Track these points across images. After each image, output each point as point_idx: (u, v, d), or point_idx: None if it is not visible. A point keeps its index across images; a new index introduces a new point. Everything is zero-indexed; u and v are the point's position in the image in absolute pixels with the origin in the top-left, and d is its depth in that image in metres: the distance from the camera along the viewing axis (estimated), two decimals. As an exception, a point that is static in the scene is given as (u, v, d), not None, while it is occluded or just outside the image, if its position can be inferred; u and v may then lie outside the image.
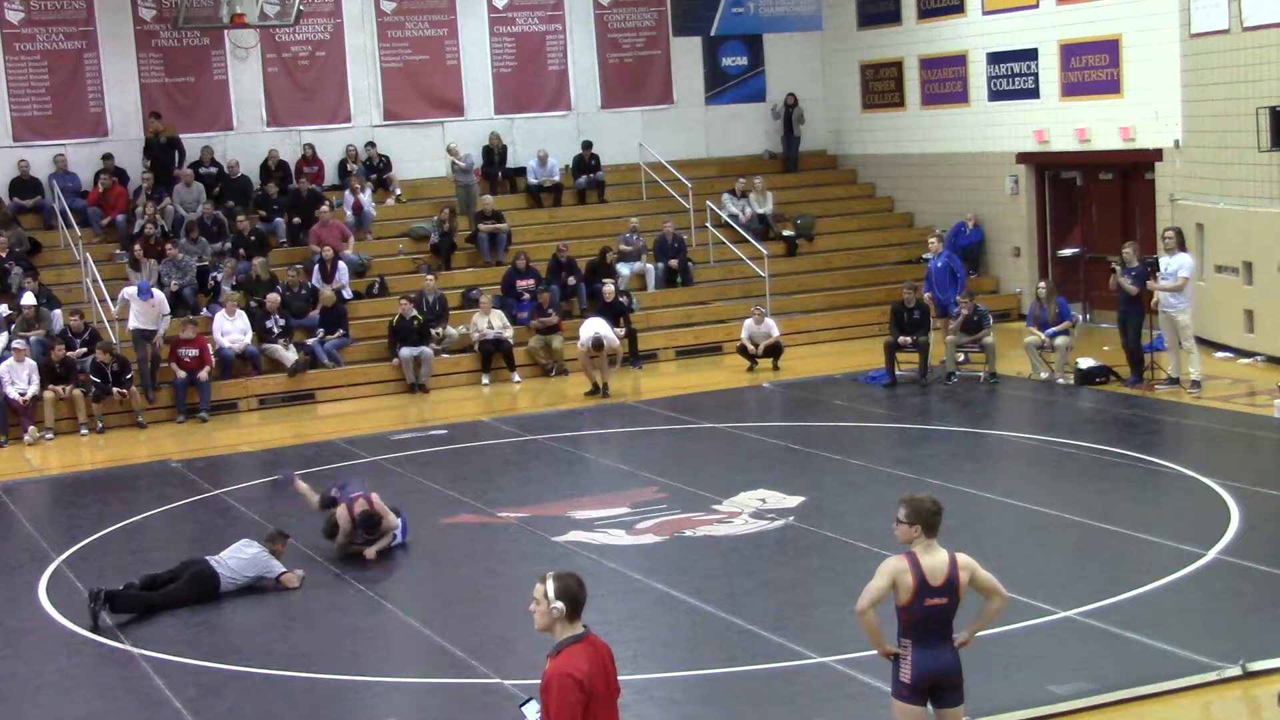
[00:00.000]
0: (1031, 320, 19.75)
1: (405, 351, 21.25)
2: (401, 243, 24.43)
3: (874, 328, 22.49)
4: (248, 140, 24.75)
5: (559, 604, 5.90)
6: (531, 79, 26.41)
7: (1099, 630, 9.98)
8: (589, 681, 5.82)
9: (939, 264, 20.72)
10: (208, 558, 12.17)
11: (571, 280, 23.21)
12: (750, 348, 21.56)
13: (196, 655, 10.63)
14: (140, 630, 11.23)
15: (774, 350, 21.51)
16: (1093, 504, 13.19)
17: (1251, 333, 19.64)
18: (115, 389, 19.71)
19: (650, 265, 24.16)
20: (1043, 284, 20.16)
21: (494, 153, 25.75)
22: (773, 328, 21.64)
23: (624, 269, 23.73)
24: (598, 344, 20.16)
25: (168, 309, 20.78)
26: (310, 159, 24.81)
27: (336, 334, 21.70)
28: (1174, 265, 17.84)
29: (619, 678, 6.19)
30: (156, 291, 20.66)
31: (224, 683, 10.11)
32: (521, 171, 26.04)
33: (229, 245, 23.05)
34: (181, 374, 20.03)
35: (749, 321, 21.79)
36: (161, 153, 23.79)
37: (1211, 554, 11.50)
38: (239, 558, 12.16)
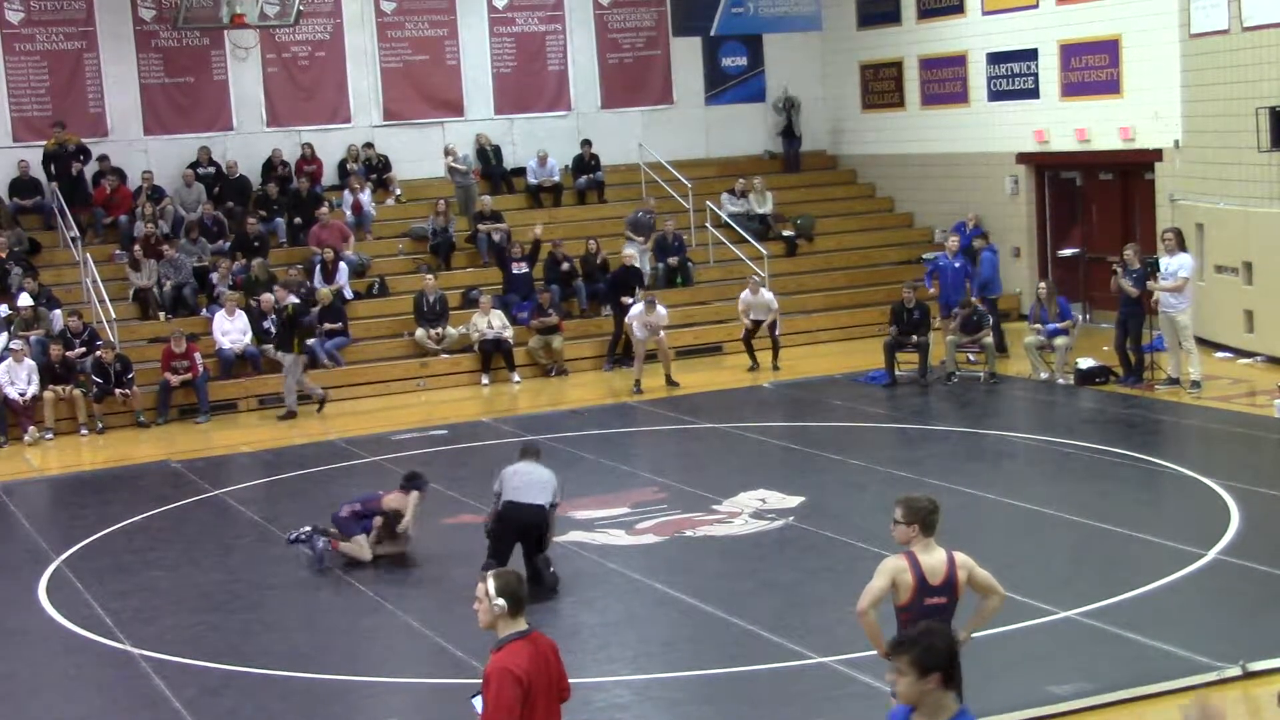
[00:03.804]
0: (1032, 320, 19.78)
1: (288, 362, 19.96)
2: (401, 243, 24.43)
3: (874, 328, 22.48)
4: (248, 140, 24.75)
5: (500, 601, 6.07)
6: (531, 79, 26.42)
7: (1099, 630, 9.98)
8: (528, 678, 5.95)
9: (956, 264, 20.80)
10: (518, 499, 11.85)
11: (570, 277, 23.26)
12: (748, 324, 21.46)
13: (196, 655, 10.63)
14: (140, 630, 11.24)
15: (773, 339, 21.46)
16: (1093, 504, 13.19)
17: (1251, 333, 19.63)
18: (117, 389, 19.70)
19: (649, 250, 24.15)
20: (1043, 284, 20.17)
21: (488, 152, 25.74)
22: (771, 300, 21.57)
23: (632, 250, 23.62)
24: (650, 305, 20.43)
25: None
26: (310, 159, 24.81)
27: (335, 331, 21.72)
28: (1174, 265, 17.84)
29: (569, 679, 6.33)
30: None
31: (224, 683, 10.12)
32: (521, 172, 26.04)
33: (228, 246, 23.05)
34: (175, 379, 20.00)
35: (744, 294, 21.77)
36: (67, 161, 23.06)
37: (1211, 554, 11.50)
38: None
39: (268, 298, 21.32)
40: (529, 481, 11.80)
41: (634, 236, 24.05)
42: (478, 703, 6.20)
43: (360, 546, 12.76)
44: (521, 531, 11.78)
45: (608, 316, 22.94)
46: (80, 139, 23.38)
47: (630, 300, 22.01)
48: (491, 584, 6.09)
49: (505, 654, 6.01)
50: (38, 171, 23.41)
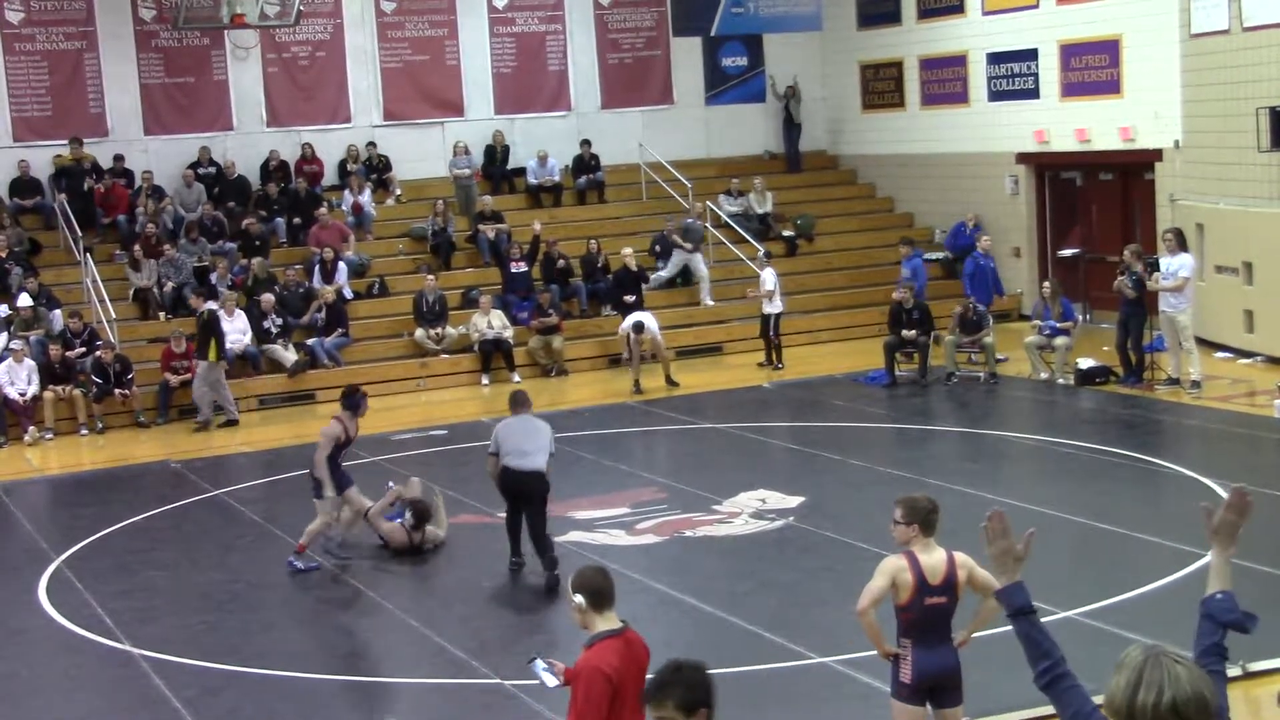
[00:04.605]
0: (1034, 318, 19.79)
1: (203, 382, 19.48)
2: (401, 243, 24.43)
3: (874, 328, 22.48)
4: (247, 140, 24.74)
5: (577, 597, 6.00)
6: (531, 79, 26.41)
7: (1099, 630, 9.98)
8: (617, 677, 5.85)
9: (991, 264, 20.96)
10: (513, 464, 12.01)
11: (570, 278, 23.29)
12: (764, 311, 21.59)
13: (196, 655, 10.64)
14: (140, 630, 11.24)
15: (775, 340, 21.53)
16: (1093, 504, 13.20)
17: (1251, 333, 19.64)
18: (116, 389, 19.70)
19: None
20: (1047, 283, 20.19)
21: (496, 152, 25.75)
22: (769, 278, 21.59)
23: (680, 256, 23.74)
24: (638, 328, 20.32)
25: None
26: (310, 159, 24.80)
27: (336, 333, 21.70)
28: (1174, 265, 17.85)
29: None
30: None
31: (224, 683, 10.12)
32: (521, 171, 26.04)
33: (228, 245, 23.04)
34: (175, 379, 20.00)
35: (762, 272, 21.92)
36: (80, 179, 22.85)
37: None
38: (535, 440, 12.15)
39: (268, 298, 21.35)
40: (525, 444, 11.98)
41: (683, 243, 23.94)
42: (537, 667, 6.25)
43: (393, 530, 12.92)
44: (522, 497, 11.99)
45: (608, 316, 22.95)
46: (95, 158, 23.30)
47: (631, 299, 22.07)
48: (570, 582, 6.09)
49: (594, 652, 5.92)
50: (38, 171, 23.40)
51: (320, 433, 12.98)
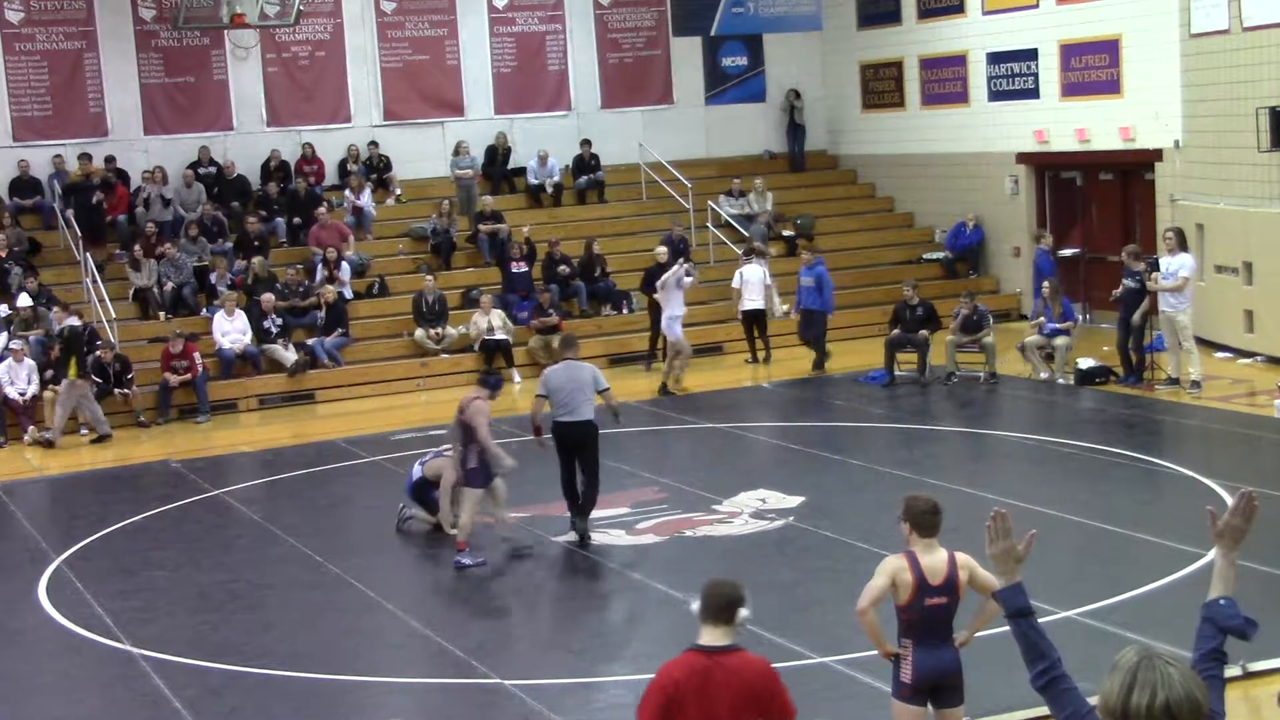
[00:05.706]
0: (1035, 317, 19.80)
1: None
2: (401, 243, 24.43)
3: (874, 328, 22.47)
4: (248, 140, 24.74)
5: (693, 604, 5.96)
6: (531, 79, 26.41)
7: (1099, 630, 9.98)
8: (675, 690, 5.76)
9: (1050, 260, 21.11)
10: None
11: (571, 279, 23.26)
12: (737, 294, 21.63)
13: (196, 655, 10.63)
14: (140, 630, 11.23)
15: (764, 339, 21.56)
16: (1093, 504, 13.19)
17: (1251, 333, 19.64)
18: (117, 389, 19.70)
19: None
20: (1047, 283, 20.17)
21: (497, 152, 25.74)
22: (749, 276, 21.66)
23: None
24: (677, 255, 20.64)
25: None
26: (310, 159, 24.79)
27: (336, 333, 21.70)
28: (1174, 265, 17.85)
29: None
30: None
31: (224, 683, 10.11)
32: (521, 171, 26.04)
33: (229, 246, 23.06)
34: (175, 379, 19.97)
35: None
36: (89, 193, 22.59)
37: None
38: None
39: (268, 298, 21.35)
40: (572, 398, 12.73)
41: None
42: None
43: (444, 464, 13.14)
44: (574, 447, 12.81)
45: (608, 316, 22.95)
46: (105, 171, 23.24)
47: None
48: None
49: (674, 660, 5.88)
50: (38, 171, 23.41)
51: (473, 412, 12.40)
